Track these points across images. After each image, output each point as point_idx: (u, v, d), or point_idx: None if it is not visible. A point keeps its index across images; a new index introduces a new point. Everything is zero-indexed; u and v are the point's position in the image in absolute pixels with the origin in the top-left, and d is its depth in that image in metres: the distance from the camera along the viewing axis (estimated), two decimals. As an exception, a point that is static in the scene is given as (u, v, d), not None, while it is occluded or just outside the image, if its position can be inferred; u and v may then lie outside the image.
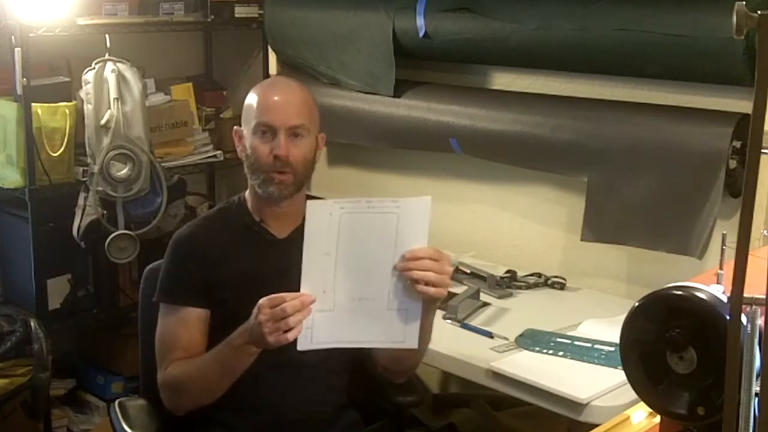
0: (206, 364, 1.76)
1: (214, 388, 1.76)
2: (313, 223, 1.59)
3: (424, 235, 1.62)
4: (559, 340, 2.15)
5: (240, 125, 1.90)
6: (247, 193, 1.92)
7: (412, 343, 1.65)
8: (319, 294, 1.60)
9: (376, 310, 1.62)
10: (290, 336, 1.57)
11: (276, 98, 1.83)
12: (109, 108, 2.78)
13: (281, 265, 1.83)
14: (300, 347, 1.60)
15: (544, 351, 2.10)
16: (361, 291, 1.61)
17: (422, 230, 1.61)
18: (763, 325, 0.97)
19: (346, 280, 1.60)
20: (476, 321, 2.33)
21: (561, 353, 2.08)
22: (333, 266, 1.60)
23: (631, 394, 1.18)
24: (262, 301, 1.60)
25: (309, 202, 1.61)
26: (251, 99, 1.85)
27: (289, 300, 1.57)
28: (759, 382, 0.90)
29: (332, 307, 1.61)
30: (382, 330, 1.64)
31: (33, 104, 2.72)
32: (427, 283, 1.59)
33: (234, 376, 1.73)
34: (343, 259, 1.60)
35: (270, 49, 3.36)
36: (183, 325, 1.83)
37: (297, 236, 1.87)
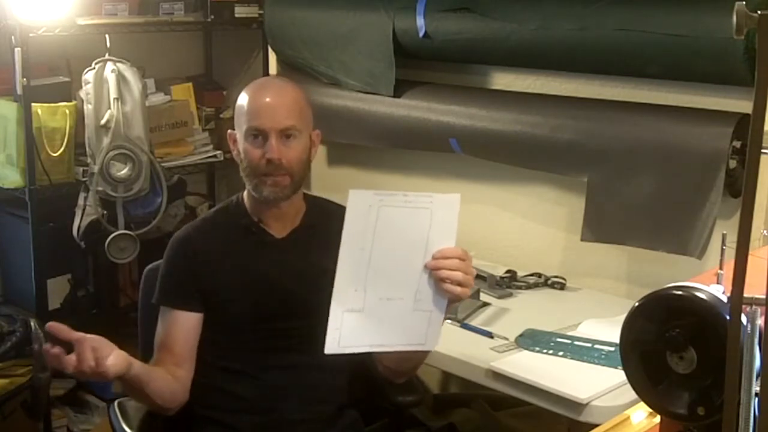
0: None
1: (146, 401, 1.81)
2: (354, 214, 1.56)
3: (453, 233, 1.61)
4: (559, 340, 2.15)
5: (234, 128, 1.89)
6: (245, 194, 1.92)
7: (433, 345, 1.66)
8: (350, 292, 1.57)
9: (403, 311, 1.60)
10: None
11: (266, 100, 1.81)
12: (109, 108, 2.78)
13: (280, 266, 1.84)
14: (328, 350, 1.57)
15: (544, 351, 2.10)
16: (389, 290, 1.59)
17: (452, 228, 1.60)
18: (763, 325, 0.97)
19: (377, 278, 1.58)
20: (476, 321, 2.33)
21: (561, 353, 2.08)
22: (366, 262, 1.57)
23: (631, 394, 1.18)
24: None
25: (352, 191, 1.57)
26: (242, 101, 1.83)
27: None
28: (759, 382, 0.90)
29: (362, 307, 1.58)
30: (405, 332, 1.62)
31: (33, 104, 2.73)
32: (452, 283, 1.59)
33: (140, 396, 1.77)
34: (376, 255, 1.57)
35: (270, 49, 3.36)
36: (169, 329, 1.84)
37: (295, 236, 1.88)
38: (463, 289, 1.61)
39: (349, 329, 1.58)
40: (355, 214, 1.56)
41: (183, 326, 1.83)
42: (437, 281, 1.60)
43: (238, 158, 1.87)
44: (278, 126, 1.78)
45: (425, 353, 1.80)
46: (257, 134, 1.79)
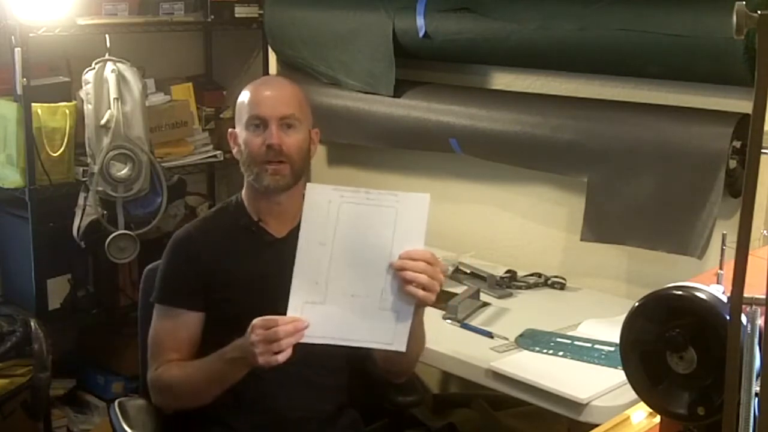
0: (198, 372, 1.77)
1: (202, 395, 1.78)
2: (312, 207, 1.57)
3: (421, 234, 1.60)
4: (559, 340, 2.15)
5: (235, 127, 1.90)
6: (243, 193, 1.92)
7: (401, 347, 1.63)
8: (311, 284, 1.58)
9: (369, 309, 1.60)
10: (280, 358, 1.58)
11: (266, 93, 1.86)
12: (109, 108, 2.78)
13: (279, 265, 1.83)
14: None
15: (544, 351, 2.10)
16: (354, 287, 1.60)
17: (420, 229, 1.60)
18: (763, 325, 0.97)
19: (339, 273, 1.59)
20: (476, 321, 2.33)
21: (561, 353, 2.08)
22: (328, 257, 1.58)
23: (631, 394, 1.18)
24: (256, 321, 1.61)
25: (309, 184, 1.61)
26: (243, 97, 1.88)
27: (281, 324, 1.58)
28: (759, 382, 0.90)
29: (323, 300, 1.59)
30: (372, 330, 1.62)
31: (33, 104, 2.72)
32: (417, 286, 1.59)
33: (224, 387, 1.75)
34: (338, 251, 1.58)
35: (270, 49, 3.36)
36: (177, 328, 1.84)
37: (295, 236, 1.88)
38: (426, 294, 1.60)
39: (311, 321, 1.59)
40: (313, 208, 1.57)
41: (189, 326, 1.84)
42: (401, 283, 1.59)
43: (238, 155, 1.88)
44: (278, 114, 1.81)
45: (414, 355, 1.80)
46: (258, 123, 1.82)
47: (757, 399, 0.91)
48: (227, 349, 1.71)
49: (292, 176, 1.83)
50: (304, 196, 1.91)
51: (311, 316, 1.59)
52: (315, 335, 1.61)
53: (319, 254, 1.58)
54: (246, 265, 1.85)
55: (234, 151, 1.91)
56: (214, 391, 1.76)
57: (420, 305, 1.64)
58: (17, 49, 2.67)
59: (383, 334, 1.62)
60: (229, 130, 1.92)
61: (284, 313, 1.81)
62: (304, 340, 1.60)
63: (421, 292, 1.59)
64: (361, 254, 1.59)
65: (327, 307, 1.60)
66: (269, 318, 1.59)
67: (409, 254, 1.59)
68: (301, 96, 1.89)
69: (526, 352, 2.11)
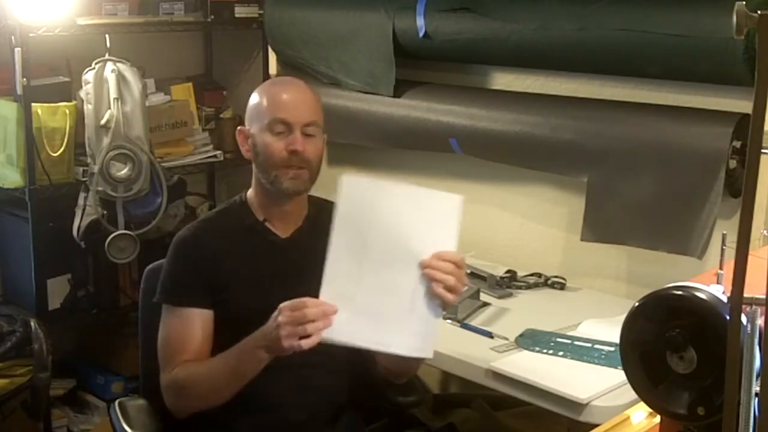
0: (215, 368, 1.74)
1: (222, 393, 1.75)
2: (347, 199, 1.53)
3: (454, 235, 1.57)
4: (559, 340, 2.15)
5: (242, 125, 1.89)
6: (249, 193, 1.92)
7: (429, 353, 1.61)
8: (342, 279, 1.53)
9: (399, 310, 1.56)
10: (305, 344, 1.54)
11: (287, 96, 1.84)
12: (109, 108, 2.78)
13: (284, 265, 1.84)
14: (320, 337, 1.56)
15: (544, 351, 2.10)
16: (385, 283, 1.55)
17: (453, 230, 1.57)
18: (763, 325, 0.97)
19: (371, 268, 1.54)
20: (476, 321, 2.33)
21: (561, 353, 2.08)
22: (361, 249, 1.53)
23: (631, 394, 1.18)
24: (284, 303, 1.58)
25: (345, 176, 1.57)
26: (260, 97, 1.85)
27: (311, 306, 1.54)
28: (759, 382, 0.90)
29: (354, 294, 1.54)
30: (402, 334, 1.56)
31: (33, 104, 2.72)
32: (444, 287, 1.57)
33: (243, 381, 1.71)
34: (371, 244, 1.54)
35: (270, 49, 3.36)
36: (189, 327, 1.82)
37: (298, 237, 1.89)
38: (453, 296, 1.58)
39: (341, 317, 1.53)
40: (347, 200, 1.53)
41: (199, 324, 1.82)
42: (431, 283, 1.57)
43: (248, 154, 1.87)
44: (303, 120, 1.80)
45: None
46: (282, 127, 1.80)
47: (757, 399, 0.91)
48: (246, 340, 1.68)
49: (309, 181, 1.84)
50: (308, 198, 1.92)
51: (340, 313, 1.54)
52: (342, 336, 1.55)
53: (353, 247, 1.53)
54: (251, 265, 1.85)
55: (243, 149, 1.89)
56: (233, 387, 1.72)
57: (444, 307, 1.61)
58: (17, 49, 2.67)
59: (413, 340, 1.58)
60: (239, 127, 1.90)
61: None
62: (330, 341, 1.54)
63: (449, 295, 1.57)
64: (394, 250, 1.55)
65: (357, 304, 1.54)
66: (298, 300, 1.56)
67: (440, 255, 1.57)
68: (319, 101, 1.89)
69: (526, 352, 2.11)
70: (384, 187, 1.56)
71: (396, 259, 1.56)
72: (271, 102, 1.83)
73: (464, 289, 1.65)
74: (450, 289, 1.57)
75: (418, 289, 1.57)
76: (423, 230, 1.56)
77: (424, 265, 1.57)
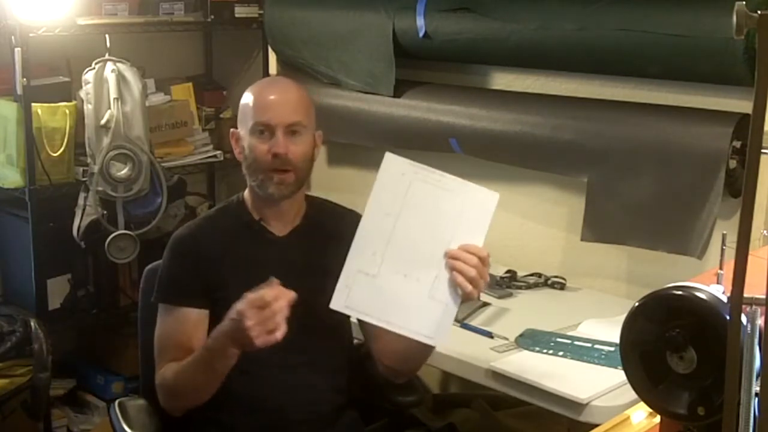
0: (191, 367, 1.74)
1: (202, 390, 1.75)
2: (385, 177, 1.54)
3: (483, 230, 1.58)
4: (559, 340, 2.15)
5: (237, 127, 1.90)
6: (246, 193, 1.92)
7: (440, 341, 1.62)
8: (367, 255, 1.55)
9: (418, 295, 1.56)
10: (279, 335, 1.53)
11: (272, 97, 1.84)
12: (109, 108, 2.78)
13: (280, 264, 1.83)
14: (333, 305, 1.57)
15: (544, 351, 2.10)
16: (408, 267, 1.56)
17: (483, 225, 1.58)
18: (763, 325, 0.97)
19: (397, 250, 1.55)
20: (476, 321, 2.32)
21: (561, 353, 2.08)
22: (390, 229, 1.54)
23: (631, 394, 1.18)
24: (240, 307, 1.55)
25: (388, 154, 1.58)
26: (247, 99, 1.85)
27: (271, 299, 1.53)
28: (759, 382, 0.90)
29: (376, 273, 1.55)
30: (417, 318, 1.58)
31: (33, 104, 2.72)
32: (465, 278, 1.58)
33: (220, 377, 1.71)
34: (401, 226, 1.54)
35: (270, 49, 3.36)
36: (180, 326, 1.82)
37: (296, 235, 1.89)
38: (474, 290, 1.59)
39: (360, 291, 1.54)
40: (386, 177, 1.54)
41: (194, 324, 1.82)
42: (453, 273, 1.57)
43: (240, 156, 1.87)
44: (285, 121, 1.79)
45: (428, 353, 1.79)
46: (264, 129, 1.80)
47: (757, 399, 0.91)
48: (210, 341, 1.68)
49: (296, 184, 1.83)
50: (305, 197, 1.92)
51: (360, 287, 1.55)
52: (356, 308, 1.56)
53: (383, 225, 1.54)
54: (248, 263, 1.85)
55: (236, 152, 1.90)
56: (212, 383, 1.72)
57: (465, 299, 1.62)
58: (17, 49, 2.67)
59: (427, 326, 1.58)
60: (231, 130, 1.91)
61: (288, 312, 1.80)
62: (347, 311, 1.56)
63: (469, 287, 1.58)
64: (422, 236, 1.56)
65: (378, 282, 1.55)
66: (255, 298, 1.54)
67: (467, 247, 1.58)
68: (307, 99, 1.87)
69: (526, 352, 2.11)
70: (424, 171, 1.56)
71: (423, 244, 1.57)
72: (255, 104, 1.83)
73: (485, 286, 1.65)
74: (471, 281, 1.58)
75: (440, 277, 1.57)
76: (454, 220, 1.57)
77: (449, 255, 1.57)
